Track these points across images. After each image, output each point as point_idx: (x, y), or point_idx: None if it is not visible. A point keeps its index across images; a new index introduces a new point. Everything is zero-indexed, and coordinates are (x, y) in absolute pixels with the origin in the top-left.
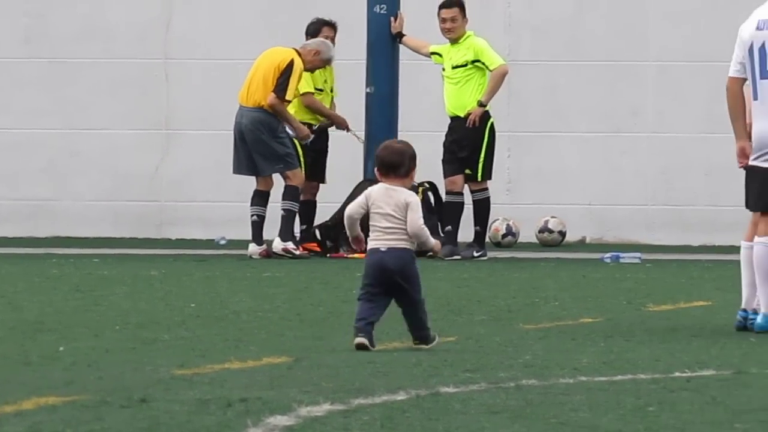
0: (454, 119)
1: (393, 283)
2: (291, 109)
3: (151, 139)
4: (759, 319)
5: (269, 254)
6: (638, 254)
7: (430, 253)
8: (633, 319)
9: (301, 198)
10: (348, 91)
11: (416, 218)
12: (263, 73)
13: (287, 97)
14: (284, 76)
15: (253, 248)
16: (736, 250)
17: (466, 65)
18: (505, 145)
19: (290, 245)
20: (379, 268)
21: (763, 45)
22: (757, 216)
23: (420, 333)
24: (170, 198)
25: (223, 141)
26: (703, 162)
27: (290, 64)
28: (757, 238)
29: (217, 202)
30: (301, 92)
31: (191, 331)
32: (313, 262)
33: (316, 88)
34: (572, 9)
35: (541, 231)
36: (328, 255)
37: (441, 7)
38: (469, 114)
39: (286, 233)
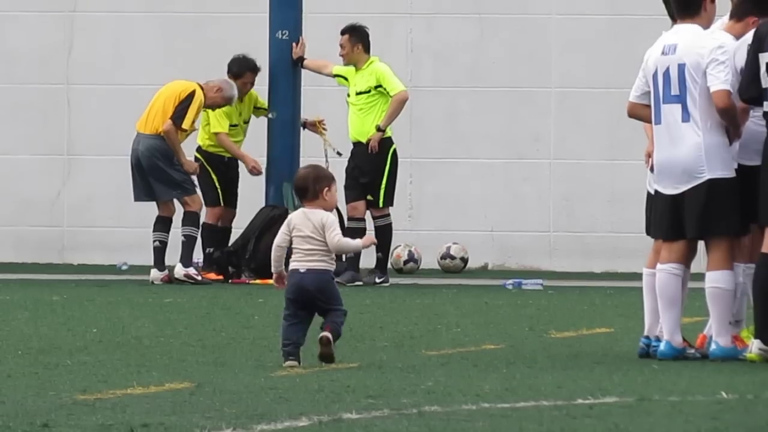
0: (357, 145)
1: (312, 302)
2: (207, 141)
3: (52, 164)
4: (662, 346)
5: (171, 280)
6: (540, 281)
7: (337, 279)
8: (535, 346)
9: (219, 224)
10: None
11: (333, 236)
12: (163, 102)
13: (183, 126)
14: (183, 104)
15: (155, 274)
16: (638, 276)
17: (369, 91)
18: (407, 171)
19: (192, 271)
20: (298, 289)
21: (667, 69)
22: (659, 243)
23: (335, 324)
24: (72, 223)
25: (124, 166)
26: (605, 188)
27: (191, 95)
28: (659, 265)
29: (118, 228)
30: (213, 131)
31: (93, 357)
32: (214, 288)
33: (231, 125)
34: (474, 35)
35: (443, 257)
36: (230, 281)
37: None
38: (370, 140)
39: (186, 259)
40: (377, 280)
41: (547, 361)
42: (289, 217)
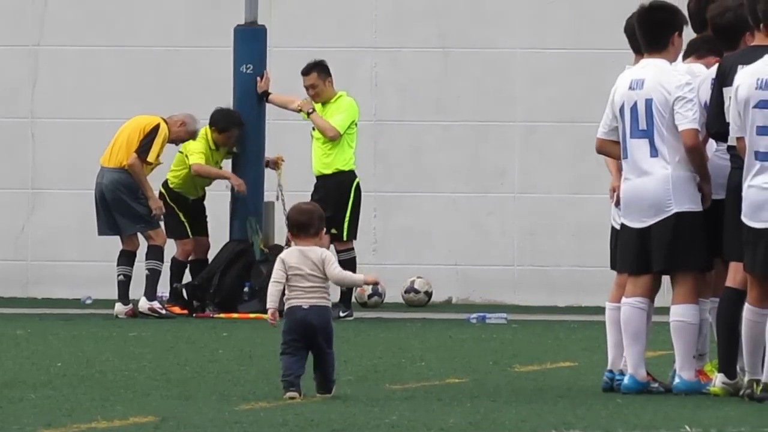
0: (320, 178)
1: (314, 338)
2: (174, 180)
3: (16, 198)
4: (626, 379)
5: (135, 314)
6: (504, 315)
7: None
8: (499, 380)
9: (192, 257)
10: None
11: (333, 269)
12: (127, 136)
13: (149, 159)
14: (148, 138)
15: (120, 308)
16: (602, 310)
17: None
18: (372, 205)
19: (156, 304)
20: (302, 325)
21: (634, 105)
22: (624, 277)
23: (328, 384)
24: (36, 257)
25: (89, 200)
26: (570, 222)
27: (155, 128)
28: (625, 299)
29: (83, 262)
30: (191, 162)
31: (58, 391)
32: (179, 322)
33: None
34: (439, 69)
35: (407, 291)
36: (194, 315)
37: (301, 74)
38: (336, 172)
39: (151, 293)
40: (341, 314)
41: (511, 395)
42: (283, 255)
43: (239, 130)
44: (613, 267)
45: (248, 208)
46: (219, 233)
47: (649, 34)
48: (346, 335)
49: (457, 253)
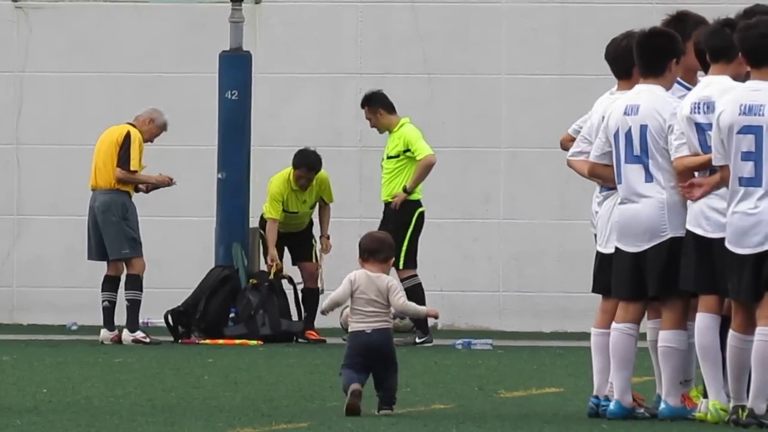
0: (387, 205)
1: (377, 359)
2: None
3: (2, 225)
4: (612, 405)
5: (121, 340)
6: (490, 341)
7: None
8: (485, 406)
9: (302, 286)
10: (200, 177)
11: (398, 298)
12: (104, 154)
13: (132, 168)
14: (123, 148)
15: (105, 334)
16: (587, 336)
17: (398, 156)
18: (357, 231)
19: (139, 334)
20: (366, 348)
21: (629, 130)
22: (610, 302)
23: (390, 400)
24: (22, 283)
25: (74, 226)
26: (555, 248)
27: (127, 136)
28: (615, 325)
29: (68, 288)
30: (265, 216)
31: (43, 417)
32: (164, 348)
33: (288, 212)
34: (424, 95)
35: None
36: (179, 341)
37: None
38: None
39: (133, 323)
40: (418, 340)
41: (496, 420)
42: (353, 275)
43: (309, 173)
44: (594, 291)
45: (234, 234)
46: (204, 259)
47: (647, 59)
48: (331, 361)
49: (442, 278)
